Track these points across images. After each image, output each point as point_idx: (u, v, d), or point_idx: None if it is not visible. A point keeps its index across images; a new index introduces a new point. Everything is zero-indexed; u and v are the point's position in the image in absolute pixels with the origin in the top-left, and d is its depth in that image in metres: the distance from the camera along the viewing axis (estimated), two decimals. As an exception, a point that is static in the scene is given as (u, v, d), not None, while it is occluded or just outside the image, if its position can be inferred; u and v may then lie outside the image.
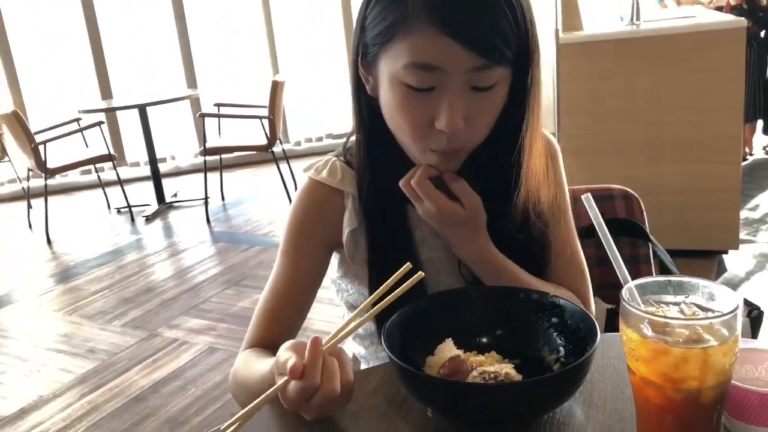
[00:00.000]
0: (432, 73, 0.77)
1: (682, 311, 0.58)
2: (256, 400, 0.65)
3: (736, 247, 3.06)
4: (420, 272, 0.70)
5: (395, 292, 0.70)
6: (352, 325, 0.71)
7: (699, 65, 2.85)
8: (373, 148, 0.91)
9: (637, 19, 3.15)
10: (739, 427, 0.63)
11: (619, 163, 3.01)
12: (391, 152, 0.89)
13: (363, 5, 0.84)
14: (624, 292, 0.58)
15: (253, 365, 0.86)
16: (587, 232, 1.01)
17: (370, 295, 1.01)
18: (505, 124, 0.85)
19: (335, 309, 1.10)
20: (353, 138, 0.96)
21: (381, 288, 0.71)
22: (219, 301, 3.22)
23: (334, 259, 1.03)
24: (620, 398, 0.72)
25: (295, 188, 4.89)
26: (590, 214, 0.63)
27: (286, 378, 0.66)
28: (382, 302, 0.70)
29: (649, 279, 0.61)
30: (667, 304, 0.60)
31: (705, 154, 2.94)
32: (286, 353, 0.68)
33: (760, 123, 4.92)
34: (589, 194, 0.63)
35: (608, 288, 1.11)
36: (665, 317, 0.56)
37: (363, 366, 1.11)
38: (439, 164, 0.86)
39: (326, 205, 0.95)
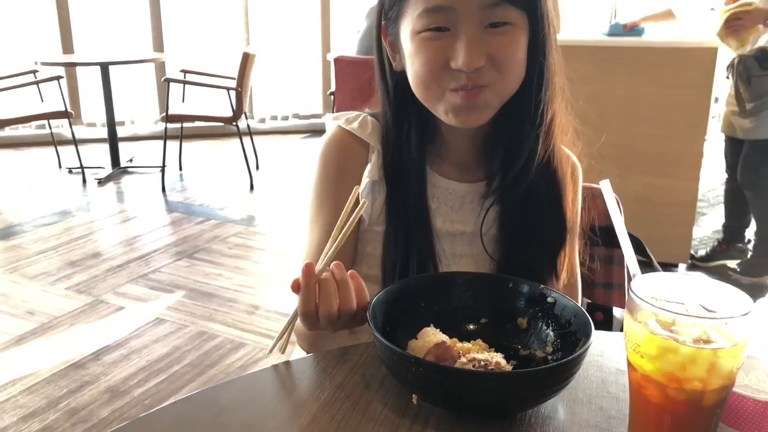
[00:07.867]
0: (445, 14, 0.80)
1: (687, 311, 0.57)
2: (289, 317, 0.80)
3: (686, 262, 3.13)
4: (365, 201, 0.80)
5: (351, 219, 0.78)
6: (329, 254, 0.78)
7: (671, 80, 2.89)
8: (399, 120, 0.93)
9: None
10: (731, 433, 0.62)
11: (588, 167, 3.05)
12: (416, 122, 0.92)
13: None
14: (633, 286, 0.56)
15: None
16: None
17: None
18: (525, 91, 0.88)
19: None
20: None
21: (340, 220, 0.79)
22: (170, 272, 3.12)
23: None
24: (605, 396, 0.70)
25: (257, 166, 4.82)
26: (606, 200, 0.61)
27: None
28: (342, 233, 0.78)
29: (657, 275, 0.59)
30: (670, 302, 0.58)
31: (668, 168, 3.00)
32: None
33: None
34: (608, 180, 0.61)
35: (610, 288, 1.13)
36: (683, 313, 0.54)
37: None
38: (461, 107, 0.84)
39: (352, 154, 0.96)
